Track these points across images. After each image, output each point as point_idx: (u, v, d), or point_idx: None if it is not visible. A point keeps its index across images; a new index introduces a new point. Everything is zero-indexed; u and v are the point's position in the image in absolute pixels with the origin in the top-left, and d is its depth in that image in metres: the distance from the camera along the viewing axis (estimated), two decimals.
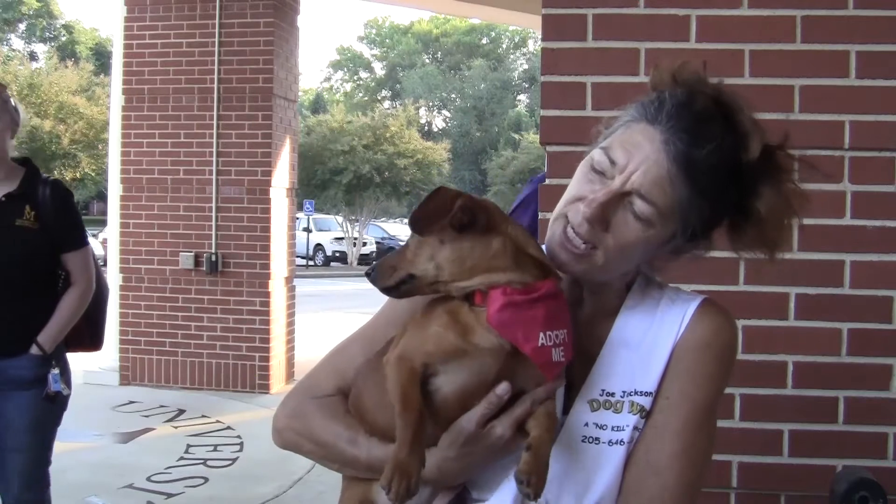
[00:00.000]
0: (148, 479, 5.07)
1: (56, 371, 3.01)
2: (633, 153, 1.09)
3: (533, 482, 1.01)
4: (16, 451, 3.00)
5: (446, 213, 1.05)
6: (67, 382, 3.10)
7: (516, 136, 39.33)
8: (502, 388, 1.05)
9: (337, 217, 27.84)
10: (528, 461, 1.02)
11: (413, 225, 1.07)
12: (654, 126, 1.09)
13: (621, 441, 1.12)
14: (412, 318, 1.13)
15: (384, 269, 1.10)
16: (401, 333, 1.13)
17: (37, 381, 3.00)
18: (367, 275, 1.11)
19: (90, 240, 3.30)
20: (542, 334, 1.04)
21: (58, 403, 3.07)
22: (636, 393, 1.14)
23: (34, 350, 2.98)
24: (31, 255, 2.99)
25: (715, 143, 1.07)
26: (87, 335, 3.27)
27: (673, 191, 1.07)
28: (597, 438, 1.12)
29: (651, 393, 1.14)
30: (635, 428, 1.13)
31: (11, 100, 3.09)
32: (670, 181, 1.07)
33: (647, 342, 1.17)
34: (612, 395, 1.14)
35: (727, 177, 1.09)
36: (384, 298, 1.21)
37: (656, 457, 1.11)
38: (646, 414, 1.14)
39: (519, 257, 1.07)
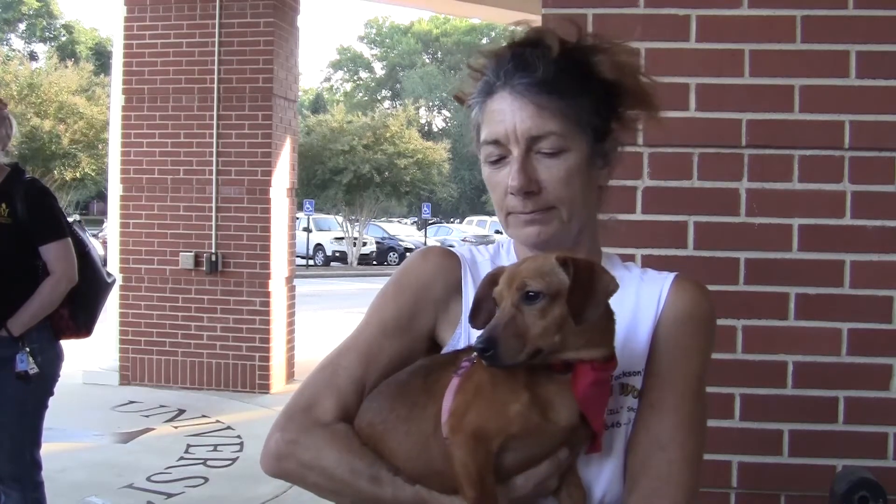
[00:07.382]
0: (148, 479, 5.06)
1: (25, 352, 3.19)
2: (501, 120, 1.15)
3: None
4: None
5: (606, 296, 1.02)
6: (45, 365, 3.25)
7: None
8: (565, 455, 1.05)
9: (337, 217, 27.80)
10: None
11: (579, 317, 0.98)
12: (495, 93, 1.17)
13: (617, 423, 1.14)
14: (470, 381, 1.04)
15: (508, 344, 0.97)
16: (464, 394, 1.03)
17: (6, 361, 3.18)
18: (482, 351, 0.97)
19: (91, 239, 3.46)
20: (606, 410, 1.06)
21: (35, 384, 3.24)
22: (625, 374, 1.15)
23: (3, 332, 3.17)
24: (3, 247, 3.18)
25: (541, 59, 1.15)
26: (75, 322, 3.41)
27: (551, 111, 1.14)
28: None
29: (640, 372, 1.16)
30: (630, 409, 1.15)
31: (10, 116, 3.32)
32: (541, 107, 1.14)
33: (628, 323, 1.17)
34: None
35: (571, 68, 1.16)
36: None
37: (657, 433, 1.13)
38: (638, 393, 1.15)
39: (611, 330, 1.05)
